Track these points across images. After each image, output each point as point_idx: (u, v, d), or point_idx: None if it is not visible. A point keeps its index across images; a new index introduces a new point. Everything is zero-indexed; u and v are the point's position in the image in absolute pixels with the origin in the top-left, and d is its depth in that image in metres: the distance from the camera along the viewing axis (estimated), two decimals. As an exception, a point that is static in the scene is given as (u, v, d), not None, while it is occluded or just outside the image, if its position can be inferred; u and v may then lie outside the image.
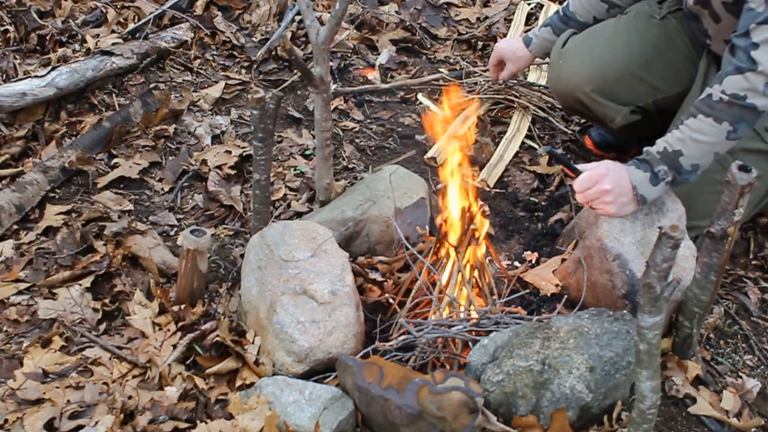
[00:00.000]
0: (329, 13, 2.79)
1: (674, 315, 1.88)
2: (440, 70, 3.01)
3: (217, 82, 2.84)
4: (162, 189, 2.37)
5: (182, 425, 1.63)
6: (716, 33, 2.03)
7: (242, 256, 2.02)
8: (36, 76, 2.48)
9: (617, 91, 2.19)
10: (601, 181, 1.84)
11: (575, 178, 1.89)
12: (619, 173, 1.85)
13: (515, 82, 2.82)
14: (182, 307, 1.89)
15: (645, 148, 1.89)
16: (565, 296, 1.89)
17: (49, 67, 2.55)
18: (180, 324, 1.85)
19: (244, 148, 2.50)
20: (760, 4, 1.70)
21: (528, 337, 1.64)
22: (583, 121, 2.69)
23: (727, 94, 1.74)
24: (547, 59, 2.74)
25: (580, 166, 1.90)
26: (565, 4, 2.40)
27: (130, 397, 1.67)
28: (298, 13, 3.11)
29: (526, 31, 3.31)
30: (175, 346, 1.79)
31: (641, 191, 1.86)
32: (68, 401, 1.66)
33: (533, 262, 2.11)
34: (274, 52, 2.98)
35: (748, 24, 1.72)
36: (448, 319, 1.80)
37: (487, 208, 1.90)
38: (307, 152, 2.57)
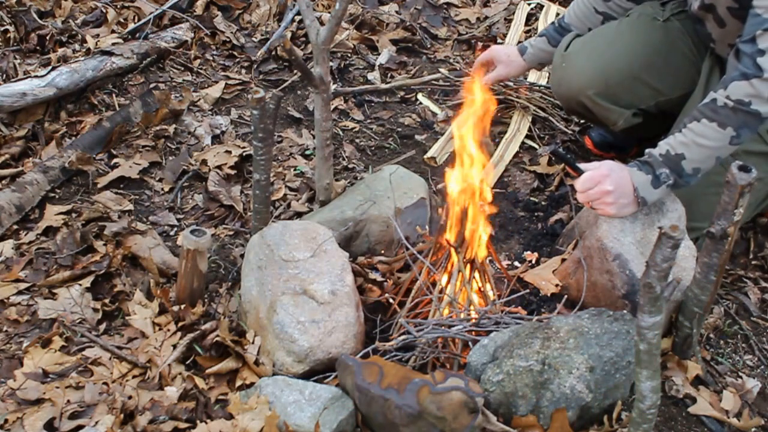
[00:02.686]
0: (329, 13, 2.78)
1: (674, 315, 1.88)
2: (440, 70, 3.01)
3: (217, 82, 2.84)
4: (162, 189, 2.37)
5: (182, 425, 1.63)
6: (721, 37, 2.02)
7: (242, 256, 2.02)
8: (36, 76, 2.48)
9: (619, 94, 2.19)
10: (603, 181, 1.84)
11: (577, 178, 1.89)
12: (621, 174, 1.84)
13: (512, 84, 2.81)
14: (182, 307, 1.88)
15: (647, 150, 1.88)
16: (565, 296, 1.89)
17: (49, 67, 2.55)
18: (180, 324, 1.85)
19: (244, 148, 2.49)
20: (767, 11, 1.69)
21: (528, 337, 1.64)
22: (583, 121, 2.69)
23: (732, 100, 1.74)
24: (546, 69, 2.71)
25: (582, 166, 1.90)
26: (561, 16, 2.40)
27: (130, 397, 1.67)
28: (298, 13, 3.11)
29: (526, 32, 3.33)
30: (175, 346, 1.79)
31: (642, 193, 1.85)
32: (68, 401, 1.66)
33: (533, 262, 2.11)
34: (274, 52, 2.98)
35: (755, 30, 1.71)
36: (448, 319, 1.80)
37: (486, 208, 1.89)
38: (307, 152, 2.57)
